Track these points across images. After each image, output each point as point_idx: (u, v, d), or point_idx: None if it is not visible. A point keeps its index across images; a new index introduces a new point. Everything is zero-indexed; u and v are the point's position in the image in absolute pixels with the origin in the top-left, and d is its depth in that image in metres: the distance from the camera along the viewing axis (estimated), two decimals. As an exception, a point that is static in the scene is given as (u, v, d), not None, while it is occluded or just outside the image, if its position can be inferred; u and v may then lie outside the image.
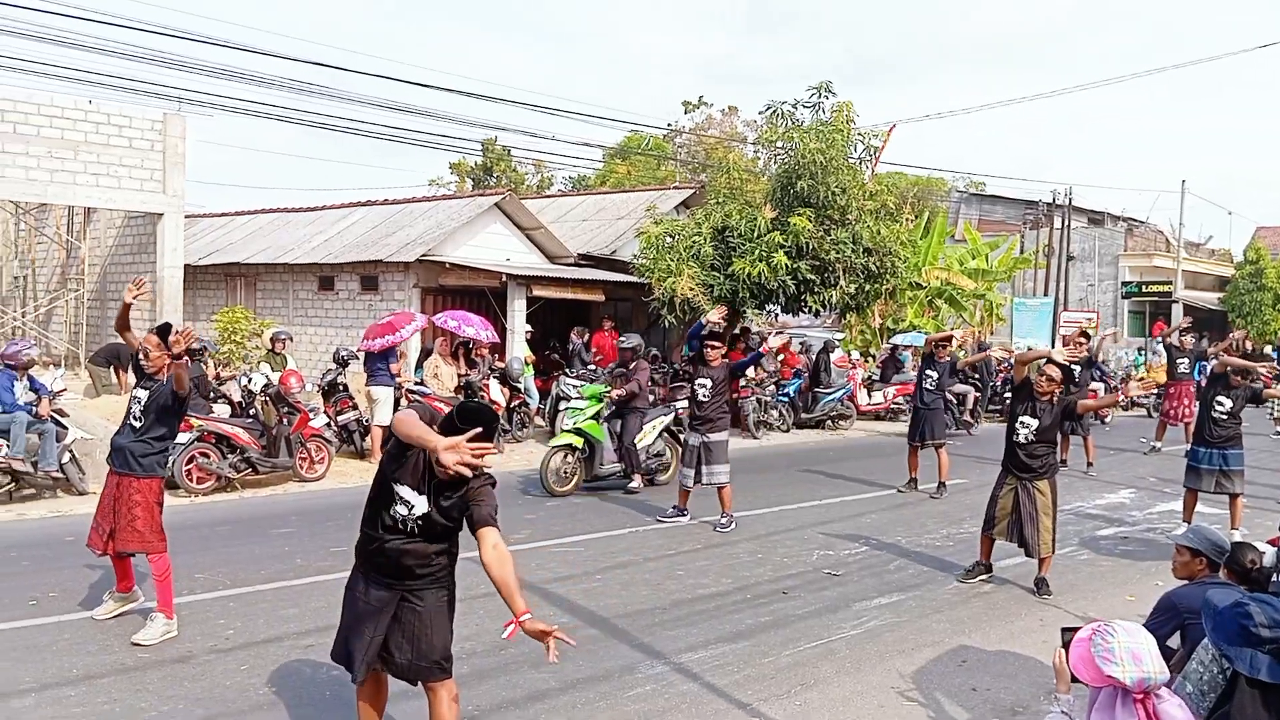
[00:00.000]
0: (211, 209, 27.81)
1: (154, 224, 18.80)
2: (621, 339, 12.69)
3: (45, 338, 20.12)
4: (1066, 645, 3.65)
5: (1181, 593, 5.48)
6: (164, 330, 6.38)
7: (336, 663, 4.29)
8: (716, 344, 9.70)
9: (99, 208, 19.59)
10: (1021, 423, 7.67)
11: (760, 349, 11.34)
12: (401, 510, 3.98)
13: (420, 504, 3.96)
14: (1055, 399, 7.65)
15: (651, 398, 12.76)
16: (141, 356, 6.27)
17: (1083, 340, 14.70)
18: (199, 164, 48.89)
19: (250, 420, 11.62)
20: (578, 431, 11.48)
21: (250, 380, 12.14)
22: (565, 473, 11.34)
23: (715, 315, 9.93)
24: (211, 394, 12.17)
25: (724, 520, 9.52)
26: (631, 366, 11.94)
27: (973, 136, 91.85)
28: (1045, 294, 33.44)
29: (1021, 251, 33.51)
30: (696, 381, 9.70)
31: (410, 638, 4.07)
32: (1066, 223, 34.07)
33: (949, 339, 13.08)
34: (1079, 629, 3.78)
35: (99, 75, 22.28)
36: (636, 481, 11.48)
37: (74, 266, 21.65)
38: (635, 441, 11.47)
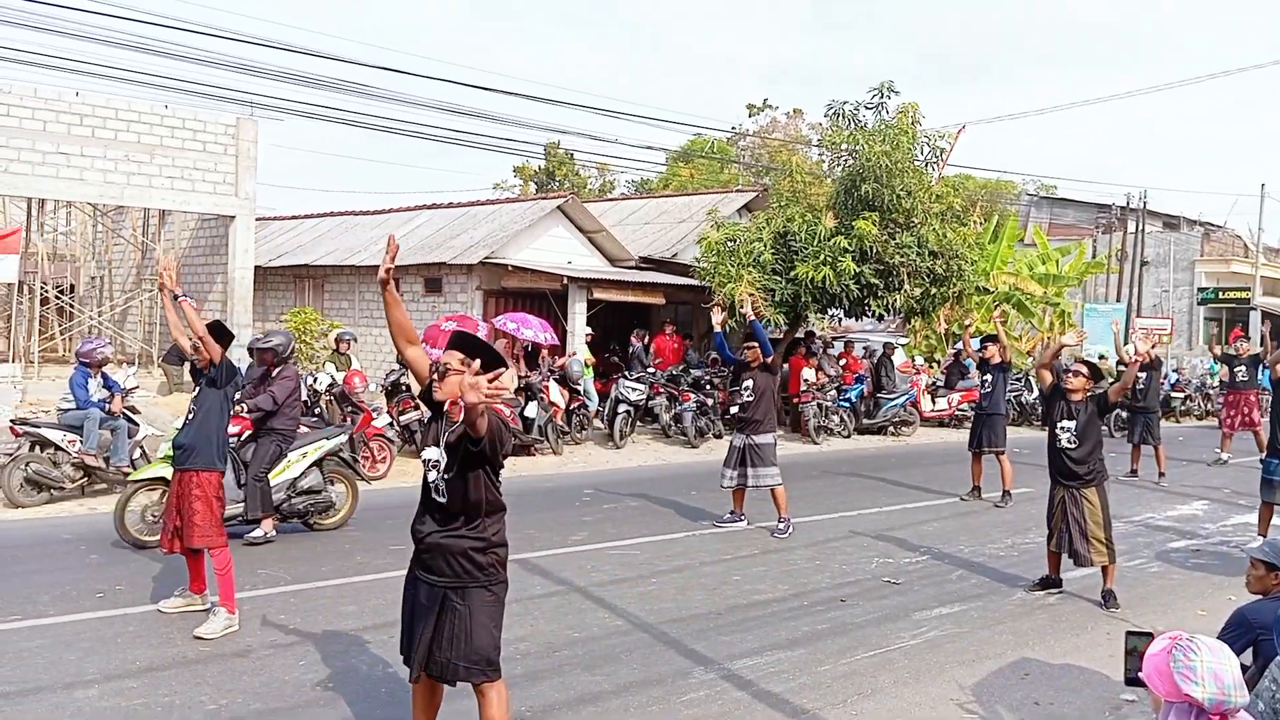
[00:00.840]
0: (281, 212, 28.38)
1: (226, 226, 19.23)
2: (259, 339, 9.78)
3: (120, 336, 20.69)
4: (1131, 652, 3.52)
5: (1255, 607, 5.29)
6: (213, 327, 6.47)
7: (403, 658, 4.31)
8: (751, 344, 9.56)
9: (173, 210, 20.06)
10: (1061, 428, 7.49)
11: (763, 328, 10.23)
12: (432, 475, 4.05)
13: (439, 454, 4.01)
14: (1086, 396, 7.46)
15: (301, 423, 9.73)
16: (192, 351, 6.41)
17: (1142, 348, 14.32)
18: (270, 167, 50.01)
19: (315, 419, 11.81)
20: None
21: (316, 380, 12.34)
22: (151, 516, 8.22)
23: (717, 317, 9.80)
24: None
25: (781, 525, 9.41)
26: (274, 373, 9.01)
27: (1044, 139, 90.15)
28: (1118, 300, 32.65)
29: (1094, 256, 32.82)
30: (741, 384, 9.61)
31: (451, 638, 4.04)
32: (1141, 227, 33.24)
33: (994, 339, 12.62)
34: (1148, 635, 3.65)
35: (174, 80, 22.88)
36: (262, 529, 8.56)
37: (149, 267, 22.22)
38: (266, 474, 8.70)
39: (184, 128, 18.20)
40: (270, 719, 4.92)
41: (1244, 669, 5.27)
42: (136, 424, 10.75)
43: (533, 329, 14.42)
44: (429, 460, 4.05)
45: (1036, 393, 16.79)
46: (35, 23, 14.51)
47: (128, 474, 10.53)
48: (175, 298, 6.30)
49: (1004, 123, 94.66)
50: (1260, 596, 5.35)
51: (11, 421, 10.61)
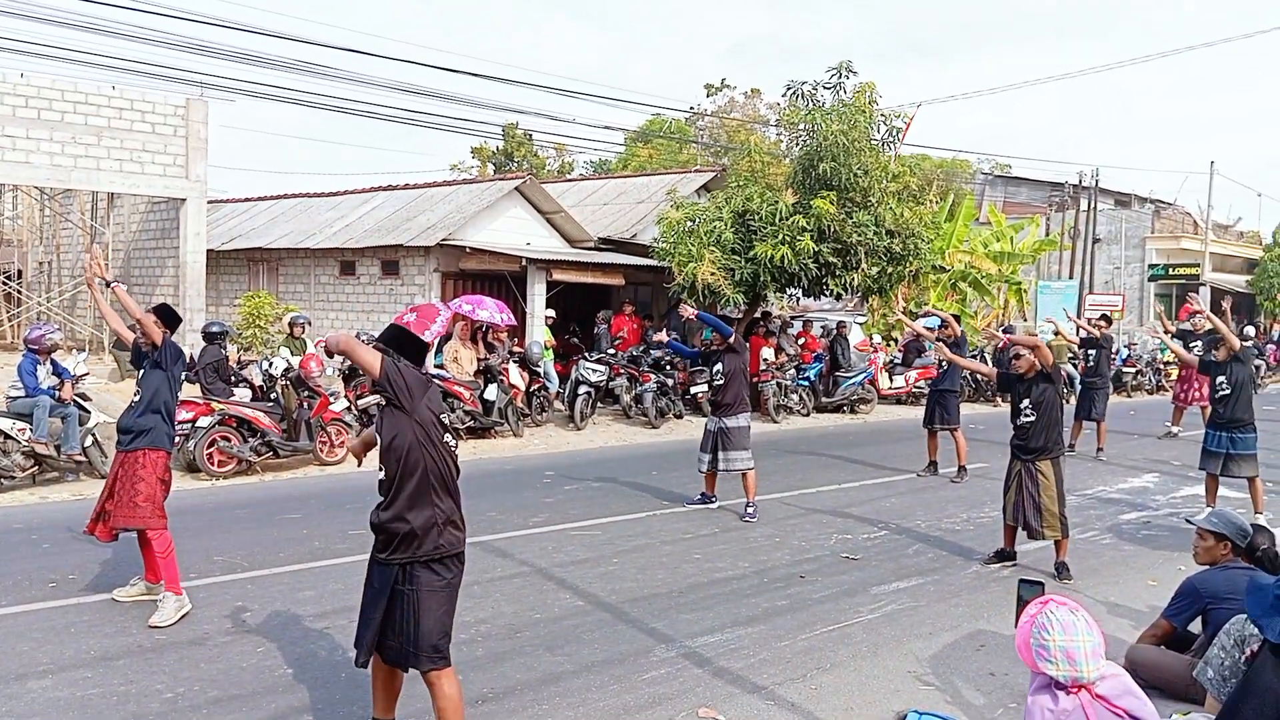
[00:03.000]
0: (234, 194, 27.95)
1: (177, 209, 18.93)
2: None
3: (70, 322, 20.31)
4: (1020, 601, 3.61)
5: (1203, 577, 5.41)
6: (160, 310, 6.37)
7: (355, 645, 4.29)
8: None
9: (122, 193, 19.71)
10: (1022, 407, 7.61)
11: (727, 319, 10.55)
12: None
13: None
14: (1035, 371, 7.57)
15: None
16: (139, 335, 6.31)
17: (1103, 324, 14.55)
18: (221, 149, 49.17)
19: (271, 404, 11.70)
20: None
21: (271, 364, 12.20)
22: None
23: (688, 312, 9.74)
24: (232, 378, 12.23)
25: (750, 510, 9.41)
26: None
27: (998, 118, 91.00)
28: (1070, 277, 33.11)
29: (1047, 234, 33.24)
30: (712, 367, 9.61)
31: (402, 621, 4.03)
32: (1093, 204, 33.68)
33: (956, 318, 12.89)
34: (1038, 585, 3.73)
35: (122, 60, 22.41)
36: None
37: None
38: None
39: (132, 109, 17.86)
40: (228, 705, 4.87)
41: (1193, 637, 5.41)
42: (88, 411, 10.56)
43: (488, 309, 14.29)
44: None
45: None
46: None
47: (79, 462, 10.39)
48: (107, 284, 6.20)
49: (959, 102, 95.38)
50: (1208, 566, 5.48)
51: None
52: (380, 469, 4.09)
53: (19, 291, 20.96)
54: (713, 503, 9.80)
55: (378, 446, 4.11)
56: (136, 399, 6.25)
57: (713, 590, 7.04)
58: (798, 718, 4.94)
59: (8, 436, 9.95)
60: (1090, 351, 14.11)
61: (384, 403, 4.06)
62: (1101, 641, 3.04)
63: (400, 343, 4.11)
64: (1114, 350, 16.82)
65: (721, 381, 9.48)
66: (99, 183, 18.05)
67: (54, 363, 10.51)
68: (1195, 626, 5.40)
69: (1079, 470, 12.29)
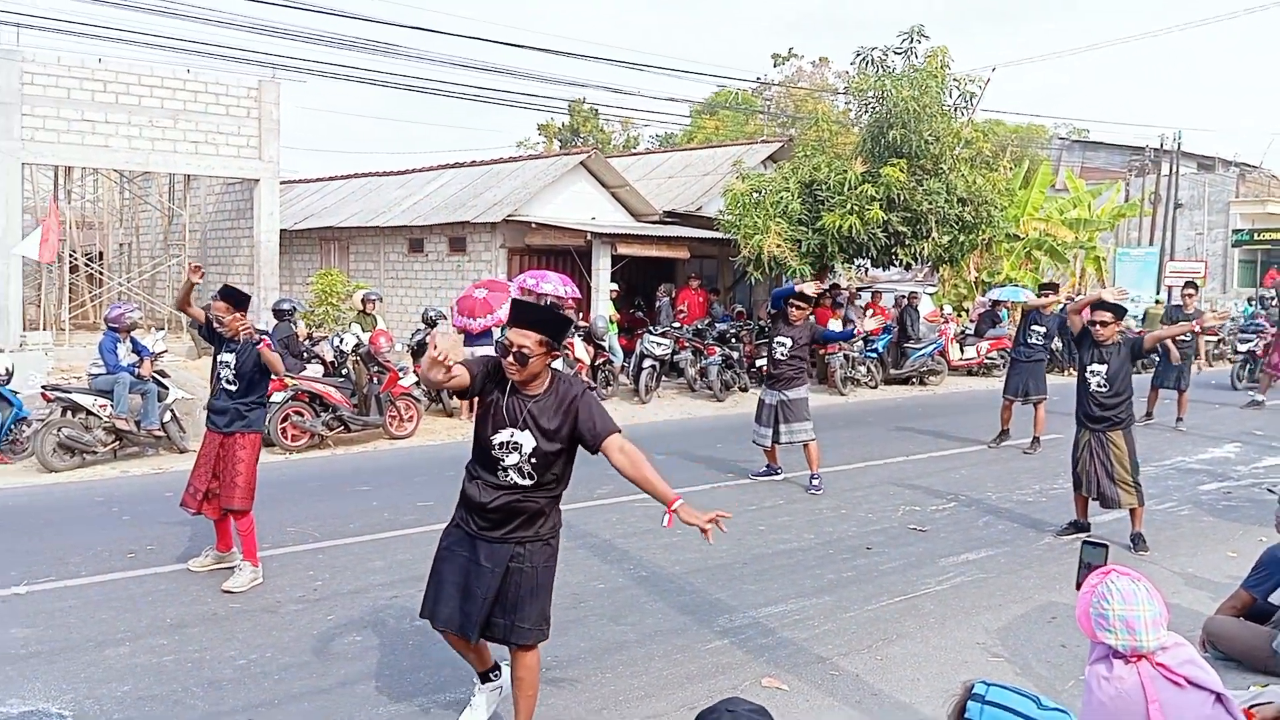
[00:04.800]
0: (306, 175, 28.42)
1: (251, 190, 19.31)
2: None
3: (149, 301, 20.88)
4: (1083, 565, 3.51)
5: (1286, 548, 5.22)
6: (228, 293, 6.45)
7: (431, 621, 4.15)
8: (802, 304, 9.43)
9: (198, 174, 20.15)
10: (1091, 371, 7.43)
11: (852, 329, 11.01)
12: (513, 457, 3.90)
13: (527, 440, 3.88)
14: (1118, 340, 7.38)
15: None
16: (215, 324, 6.42)
17: (1191, 292, 14.06)
18: (293, 129, 49.96)
19: (342, 379, 11.90)
20: None
21: (341, 340, 12.41)
22: None
23: (810, 289, 9.63)
24: (304, 354, 12.47)
25: (815, 482, 9.31)
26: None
27: (1076, 80, 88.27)
28: (1151, 244, 32.11)
29: (1126, 199, 32.23)
30: (776, 339, 9.47)
31: (515, 598, 3.99)
32: (1175, 168, 32.59)
33: (1054, 287, 12.68)
34: (1103, 547, 3.62)
35: (196, 43, 22.85)
36: None
37: (175, 232, 22.38)
38: None
39: (206, 92, 18.22)
40: (299, 672, 4.98)
41: (1273, 609, 5.22)
42: (166, 388, 10.85)
43: (551, 283, 14.34)
44: (510, 444, 3.91)
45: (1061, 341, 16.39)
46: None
47: (158, 437, 10.70)
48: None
49: (1035, 65, 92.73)
50: (1292, 537, 5.29)
51: (43, 388, 10.73)
52: (526, 456, 3.92)
53: (100, 272, 21.59)
54: (779, 473, 9.72)
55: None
56: (232, 386, 6.36)
57: (777, 561, 7.00)
58: (862, 688, 4.89)
59: (90, 412, 10.27)
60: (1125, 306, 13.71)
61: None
62: (1163, 612, 2.94)
63: (544, 322, 3.88)
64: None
65: (784, 356, 9.37)
66: (176, 165, 18.49)
67: (134, 340, 10.81)
68: (1276, 598, 5.22)
69: (1157, 440, 11.96)
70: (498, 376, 3.95)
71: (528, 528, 4.01)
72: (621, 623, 5.71)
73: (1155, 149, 33.89)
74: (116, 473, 9.92)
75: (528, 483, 3.93)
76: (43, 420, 10.45)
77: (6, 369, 10.78)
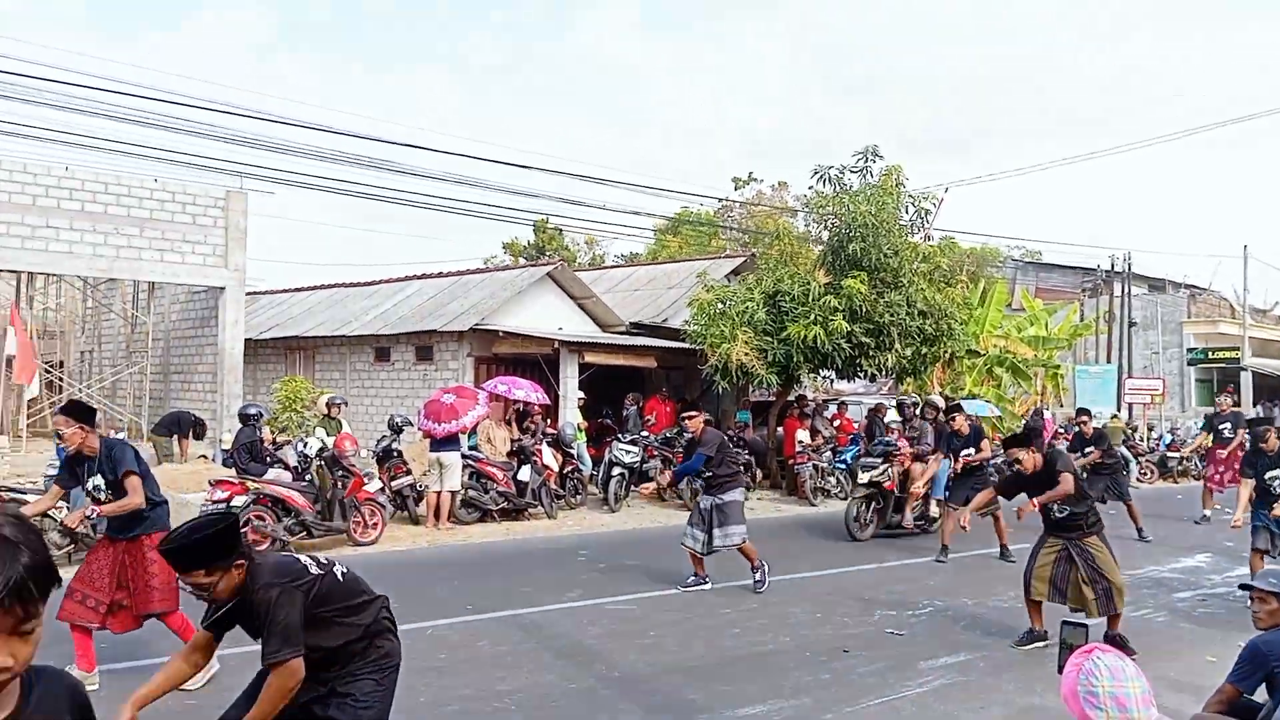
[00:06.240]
0: (272, 285, 28.46)
1: (216, 298, 19.26)
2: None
3: (111, 409, 20.51)
4: (1064, 645, 3.44)
5: (1267, 639, 5.15)
6: (71, 408, 6.26)
7: None
8: (690, 414, 9.85)
9: (163, 282, 20.10)
10: (1057, 509, 7.43)
11: (701, 457, 9.63)
12: None
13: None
14: (1038, 469, 7.42)
15: None
16: (57, 438, 6.30)
17: (1085, 419, 14.33)
18: (260, 241, 50.18)
19: (306, 484, 11.66)
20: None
21: (306, 444, 12.21)
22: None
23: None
24: (268, 458, 12.24)
25: (758, 578, 9.15)
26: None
27: (1027, 204, 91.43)
28: (1108, 361, 32.75)
29: (1081, 319, 32.99)
30: (693, 459, 9.48)
31: None
32: (1126, 289, 33.53)
33: (958, 408, 12.66)
34: (1083, 628, 3.57)
35: (164, 151, 23.01)
36: None
37: (139, 339, 22.18)
38: None
39: (174, 200, 18.33)
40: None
41: (1258, 708, 5.13)
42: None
43: (523, 389, 14.32)
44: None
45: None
46: (26, 96, 14.60)
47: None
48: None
49: (987, 188, 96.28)
50: (1272, 629, 5.23)
51: (-2, 489, 10.42)
52: None
53: (60, 379, 21.26)
54: (705, 582, 9.36)
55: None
56: (106, 498, 6.09)
57: (753, 663, 6.81)
58: (847, 789, 4.71)
59: (46, 515, 9.95)
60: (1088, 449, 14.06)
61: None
62: (1150, 689, 2.87)
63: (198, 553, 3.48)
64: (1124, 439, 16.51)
65: (710, 471, 9.30)
66: (141, 272, 18.46)
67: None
68: (1261, 694, 5.13)
69: (1130, 551, 11.93)
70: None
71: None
72: (598, 716, 5.50)
73: (1107, 270, 34.90)
74: (68, 575, 9.54)
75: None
76: (-7, 523, 10.09)
77: (-42, 471, 10.47)
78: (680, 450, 16.14)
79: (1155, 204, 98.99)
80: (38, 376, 17.52)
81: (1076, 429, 14.85)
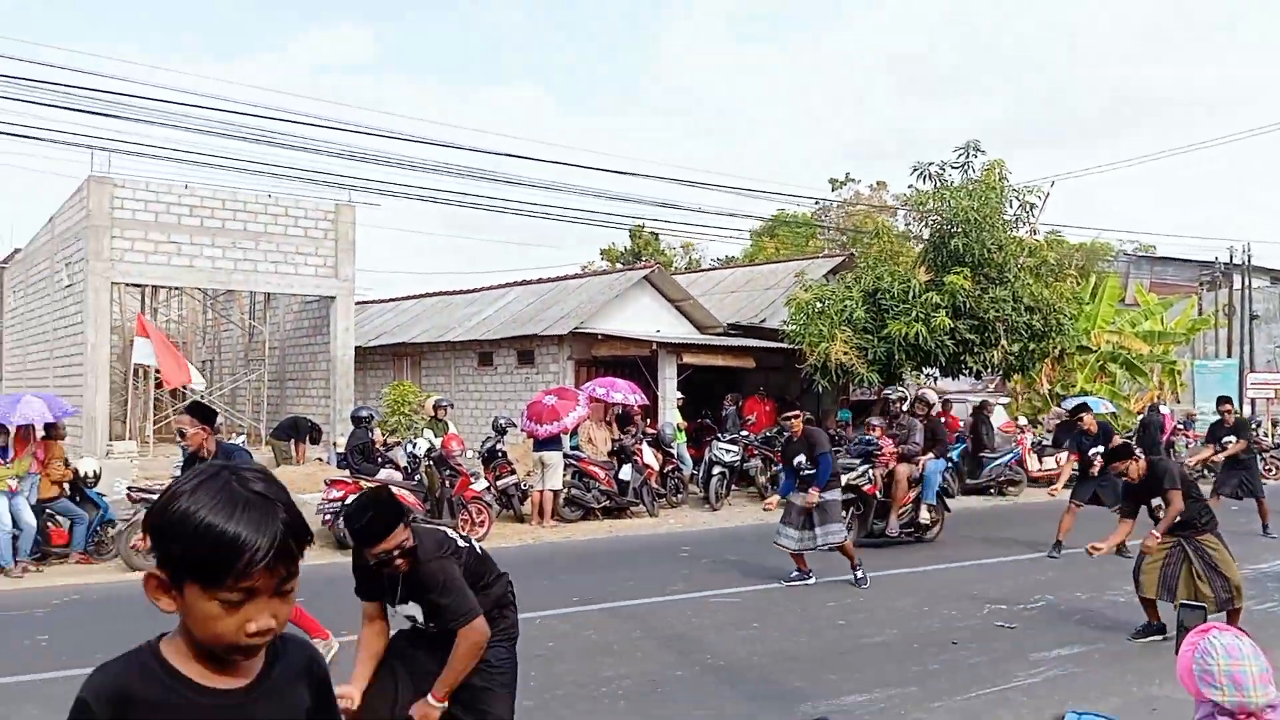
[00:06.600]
0: (380, 295, 29.32)
1: (327, 307, 19.92)
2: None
3: (231, 415, 21.39)
4: (1181, 628, 3.37)
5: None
6: (194, 409, 6.65)
7: None
8: (793, 414, 9.76)
9: (278, 293, 20.87)
10: (1154, 506, 7.35)
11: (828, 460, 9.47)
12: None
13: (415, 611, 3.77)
14: (1143, 475, 7.40)
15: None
16: (178, 436, 6.60)
17: (1228, 407, 13.64)
18: (368, 250, 51.69)
19: (415, 483, 11.99)
20: None
21: (415, 446, 12.56)
22: None
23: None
24: (379, 459, 12.63)
25: (859, 575, 9.07)
26: None
27: (1140, 197, 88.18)
28: (1229, 355, 31.40)
29: (1200, 314, 31.71)
30: (793, 459, 9.34)
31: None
32: (1247, 281, 32.10)
33: (1085, 407, 12.25)
34: (1200, 609, 3.48)
35: (276, 167, 24.00)
36: None
37: (255, 348, 23.07)
38: None
39: (286, 215, 19.02)
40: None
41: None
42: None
43: (621, 391, 14.47)
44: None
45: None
46: (147, 117, 15.37)
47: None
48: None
49: (1097, 180, 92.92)
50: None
51: (129, 488, 10.99)
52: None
53: (184, 388, 22.26)
54: (810, 578, 9.28)
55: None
56: None
57: (859, 654, 6.78)
58: (957, 773, 4.66)
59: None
60: (1229, 437, 13.28)
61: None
62: (1269, 668, 2.80)
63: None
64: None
65: (811, 469, 9.21)
66: (257, 284, 19.21)
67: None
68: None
69: (1254, 548, 11.46)
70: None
71: None
72: (702, 706, 5.55)
73: (1226, 262, 33.48)
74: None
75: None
76: (127, 521, 10.66)
77: (94, 472, 11.09)
78: (779, 450, 16.09)
79: (1276, 193, 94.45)
80: (192, 370, 18.35)
81: (1218, 417, 14.16)
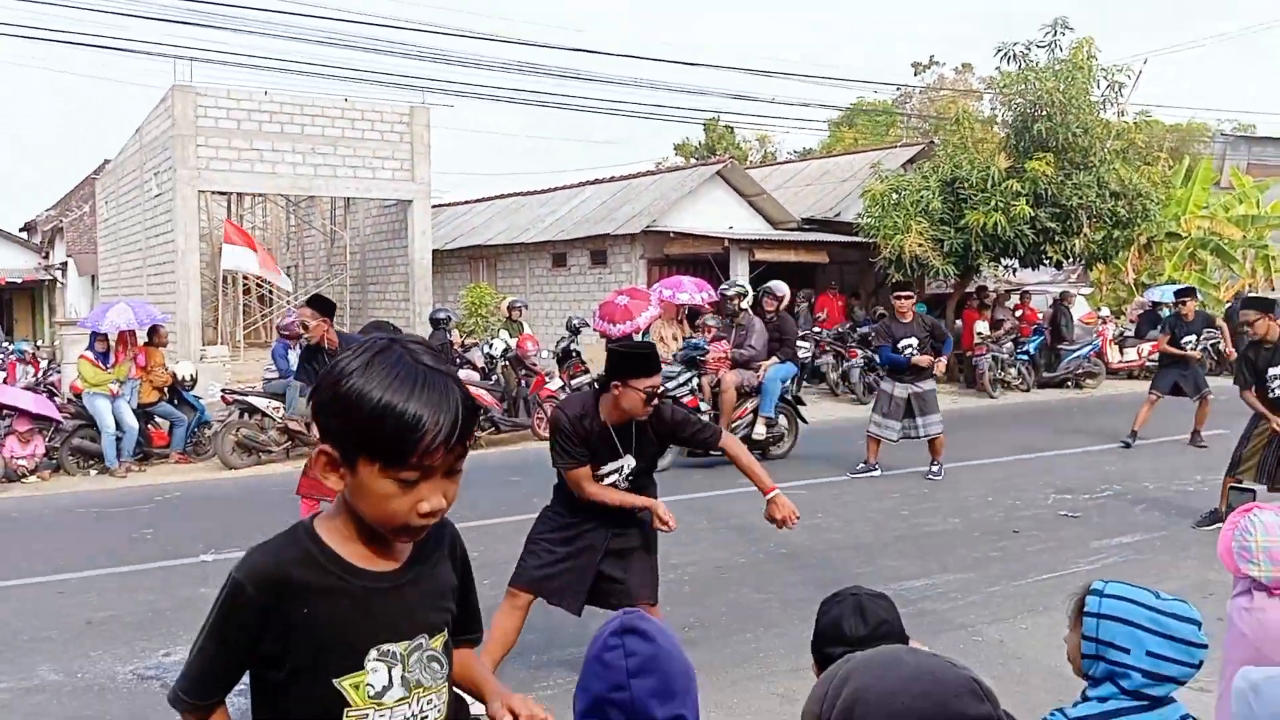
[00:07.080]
0: (455, 198, 29.62)
1: (405, 211, 20.24)
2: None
3: (316, 320, 22.07)
4: (1231, 509, 3.44)
5: None
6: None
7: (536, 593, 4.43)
8: (905, 294, 9.53)
9: (357, 197, 21.27)
10: (1271, 375, 7.06)
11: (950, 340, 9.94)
12: (614, 477, 4.25)
13: (629, 463, 4.23)
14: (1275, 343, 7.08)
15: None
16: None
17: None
18: (441, 153, 51.88)
19: (492, 383, 12.39)
20: None
21: (491, 346, 12.92)
22: None
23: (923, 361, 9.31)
24: (457, 359, 13.02)
25: (935, 469, 9.21)
26: None
27: (1239, 70, 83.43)
28: (1330, 241, 30.01)
29: (1301, 195, 30.28)
30: (901, 341, 9.23)
31: (626, 568, 4.31)
32: (1355, 160, 30.47)
33: (1191, 292, 11.90)
34: (1250, 492, 3.56)
35: (352, 70, 24.17)
36: None
37: (337, 253, 23.64)
38: None
39: (363, 119, 19.23)
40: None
41: None
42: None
43: (687, 291, 14.55)
44: (613, 470, 4.27)
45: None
46: (226, 24, 15.59)
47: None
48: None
49: (1192, 54, 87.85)
50: None
51: (222, 391, 11.58)
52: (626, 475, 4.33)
53: (270, 293, 23.00)
54: (876, 469, 9.44)
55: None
56: None
57: (920, 542, 6.97)
58: (1004, 653, 4.87)
59: (264, 415, 11.03)
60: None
61: None
62: None
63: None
64: None
65: (915, 353, 9.26)
66: (336, 189, 19.58)
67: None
68: None
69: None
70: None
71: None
72: (763, 590, 5.83)
73: (1332, 140, 31.76)
74: (291, 469, 10.58)
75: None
76: (222, 422, 11.28)
77: (191, 375, 11.68)
78: (853, 345, 16.10)
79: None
80: (280, 271, 19.02)
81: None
